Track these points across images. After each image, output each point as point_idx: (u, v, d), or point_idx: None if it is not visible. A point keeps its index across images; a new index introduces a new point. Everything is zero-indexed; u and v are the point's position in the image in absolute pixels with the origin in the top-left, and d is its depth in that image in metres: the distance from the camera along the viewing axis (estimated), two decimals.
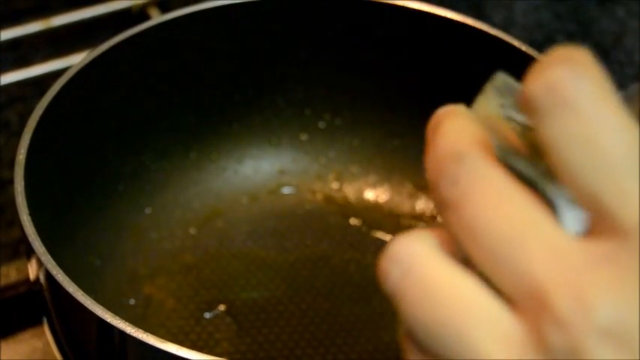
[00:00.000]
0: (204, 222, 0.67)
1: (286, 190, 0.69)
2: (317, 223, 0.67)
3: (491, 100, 0.34)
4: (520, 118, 0.33)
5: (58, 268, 0.50)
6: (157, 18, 0.64)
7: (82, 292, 0.48)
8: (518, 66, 0.60)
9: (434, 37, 0.64)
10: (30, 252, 0.52)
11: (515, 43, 0.61)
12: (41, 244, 0.51)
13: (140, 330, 0.46)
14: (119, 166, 0.65)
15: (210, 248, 0.66)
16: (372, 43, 0.66)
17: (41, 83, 0.78)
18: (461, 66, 0.64)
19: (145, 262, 0.64)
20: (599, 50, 0.82)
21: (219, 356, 0.45)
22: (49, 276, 0.50)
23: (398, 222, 0.67)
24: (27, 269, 0.55)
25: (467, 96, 0.64)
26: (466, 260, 0.32)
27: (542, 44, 0.85)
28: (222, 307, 0.62)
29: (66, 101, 0.58)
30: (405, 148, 0.68)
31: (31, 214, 0.52)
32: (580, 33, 0.83)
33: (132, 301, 0.62)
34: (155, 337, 0.46)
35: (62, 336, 0.54)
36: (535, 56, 0.60)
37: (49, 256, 0.50)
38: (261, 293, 0.63)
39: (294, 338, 0.61)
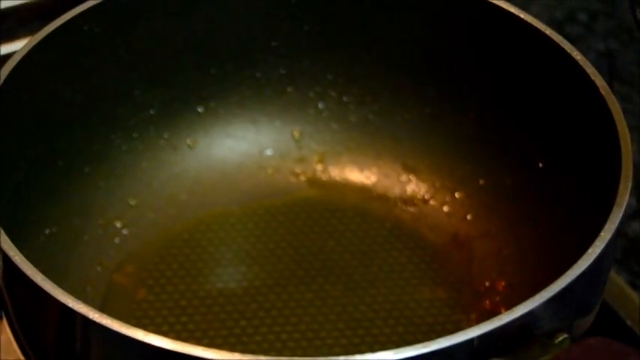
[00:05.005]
0: (179, 207, 0.65)
1: (267, 172, 0.67)
2: (300, 207, 0.66)
3: None
4: None
5: (15, 249, 0.48)
6: None
7: (43, 276, 0.47)
8: (534, 45, 0.58)
9: (435, 10, 0.63)
10: None
11: (531, 20, 0.59)
12: None
13: (104, 315, 0.45)
14: (86, 146, 0.63)
15: (185, 234, 0.64)
16: (358, 17, 0.65)
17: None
18: (463, 43, 0.63)
19: (114, 250, 0.63)
20: (623, 29, 0.82)
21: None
22: (5, 259, 0.48)
23: (386, 205, 0.65)
24: None
25: (467, 75, 0.62)
26: None
27: (563, 22, 0.86)
28: (196, 297, 0.61)
29: (26, 75, 0.56)
30: (393, 130, 0.67)
31: None
32: (604, 11, 0.83)
33: (99, 292, 0.60)
34: (120, 322, 0.44)
35: (19, 328, 0.51)
36: (552, 36, 0.58)
37: (5, 237, 0.48)
38: (239, 282, 0.62)
39: (275, 330, 0.59)
